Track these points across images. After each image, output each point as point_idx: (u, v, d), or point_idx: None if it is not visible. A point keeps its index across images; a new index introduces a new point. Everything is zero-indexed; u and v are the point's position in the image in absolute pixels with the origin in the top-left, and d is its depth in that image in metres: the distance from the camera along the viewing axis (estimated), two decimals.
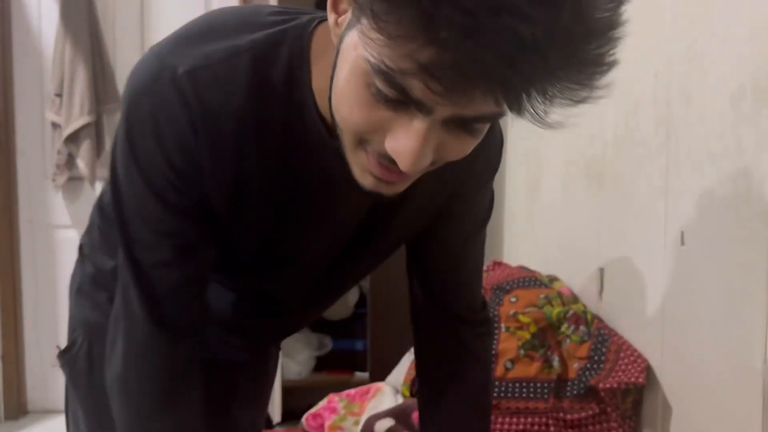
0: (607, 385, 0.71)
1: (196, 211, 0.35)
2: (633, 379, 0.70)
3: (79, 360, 0.51)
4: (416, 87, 0.22)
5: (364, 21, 0.22)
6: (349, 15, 0.25)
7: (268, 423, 1.43)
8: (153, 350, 0.37)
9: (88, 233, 0.53)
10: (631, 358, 0.73)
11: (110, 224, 0.44)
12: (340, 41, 0.26)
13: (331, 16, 0.27)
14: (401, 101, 0.23)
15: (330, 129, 0.32)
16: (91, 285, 0.51)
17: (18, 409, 1.85)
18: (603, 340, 0.75)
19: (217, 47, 0.32)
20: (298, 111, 0.33)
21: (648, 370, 0.71)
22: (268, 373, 0.63)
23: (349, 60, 0.25)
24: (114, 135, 0.36)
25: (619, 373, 0.72)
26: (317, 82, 0.32)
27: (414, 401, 0.96)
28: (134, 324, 0.37)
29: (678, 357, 0.67)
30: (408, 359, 1.13)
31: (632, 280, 0.78)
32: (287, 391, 1.75)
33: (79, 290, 0.53)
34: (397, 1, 0.19)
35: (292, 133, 0.34)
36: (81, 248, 0.54)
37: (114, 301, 0.39)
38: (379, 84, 0.23)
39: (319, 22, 0.33)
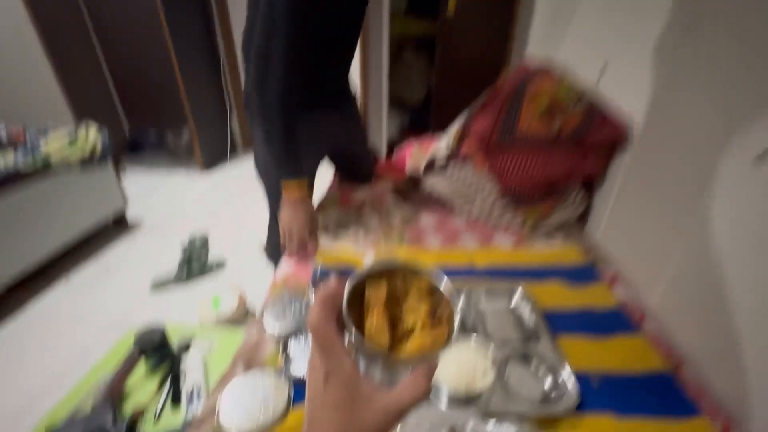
0: (594, 139, 1.03)
1: None
2: (615, 138, 1.01)
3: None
4: None
5: None
6: None
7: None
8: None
9: None
10: (615, 123, 1.01)
11: None
12: None
13: None
14: None
15: None
16: None
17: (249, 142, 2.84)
18: (592, 113, 1.03)
19: None
20: None
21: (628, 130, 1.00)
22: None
23: None
24: None
25: (604, 132, 1.03)
26: None
27: (459, 145, 1.39)
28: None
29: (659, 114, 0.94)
30: (457, 122, 1.52)
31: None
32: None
33: None
34: None
35: None
36: None
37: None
38: None
39: None
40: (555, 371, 0.68)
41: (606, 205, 1.09)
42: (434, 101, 2.91)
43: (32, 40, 2.26)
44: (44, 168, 1.69)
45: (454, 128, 1.56)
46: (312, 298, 0.86)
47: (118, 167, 2.80)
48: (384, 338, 0.33)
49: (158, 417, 0.89)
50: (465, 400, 0.63)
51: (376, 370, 0.34)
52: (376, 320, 0.34)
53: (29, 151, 1.71)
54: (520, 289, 0.87)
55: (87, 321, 1.56)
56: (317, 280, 0.93)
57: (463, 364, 0.66)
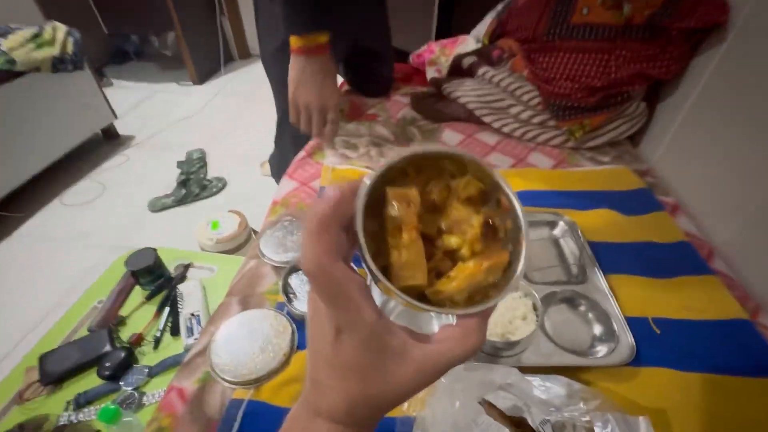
0: (683, 25, 0.79)
1: None
2: (713, 19, 0.77)
3: None
4: None
5: None
6: None
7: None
8: None
9: None
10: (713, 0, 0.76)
11: None
12: None
13: None
14: None
15: None
16: None
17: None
18: None
19: None
20: None
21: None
22: None
23: None
24: None
25: (697, 14, 0.78)
26: None
27: (492, 45, 1.15)
28: None
29: None
30: (489, 17, 1.24)
31: None
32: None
33: None
34: None
35: None
36: None
37: None
38: None
39: None
40: (607, 316, 0.57)
41: (673, 118, 0.89)
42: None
43: None
44: (9, 68, 1.47)
45: (486, 22, 1.28)
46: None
47: (100, 77, 2.54)
48: (421, 272, 0.23)
49: (157, 345, 0.83)
50: (502, 351, 0.53)
51: (407, 315, 0.25)
52: (407, 245, 0.22)
53: None
54: (565, 218, 0.73)
55: (85, 242, 1.49)
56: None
57: (497, 308, 0.55)
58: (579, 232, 0.70)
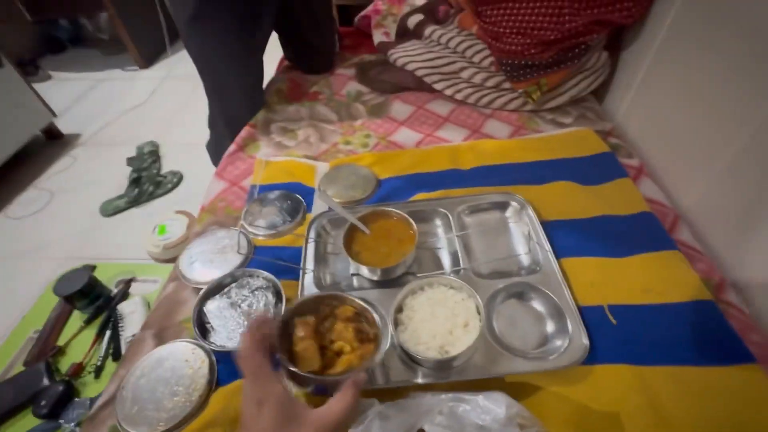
0: None
1: None
2: None
3: None
4: None
5: None
6: None
7: None
8: None
9: None
10: None
11: None
12: None
13: None
14: None
15: None
16: None
17: None
18: None
19: None
20: None
21: None
22: None
23: None
24: None
25: None
26: None
27: None
28: None
29: None
30: None
31: None
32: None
33: None
34: None
35: None
36: None
37: None
38: None
39: None
40: (560, 310, 0.51)
41: (638, 68, 0.80)
42: None
43: None
44: None
45: None
46: (245, 228, 0.66)
47: (34, 72, 2.32)
48: (315, 362, 0.40)
49: (99, 373, 0.78)
50: (443, 365, 0.47)
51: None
52: (306, 346, 0.40)
53: None
54: (516, 197, 0.66)
55: (36, 256, 1.40)
56: (254, 200, 0.71)
57: (437, 317, 0.49)
58: (531, 212, 0.63)
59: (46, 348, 0.81)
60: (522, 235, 0.63)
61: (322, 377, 0.39)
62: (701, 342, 0.48)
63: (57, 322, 0.85)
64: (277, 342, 0.38)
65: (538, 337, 0.51)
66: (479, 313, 0.49)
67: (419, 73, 0.95)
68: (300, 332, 0.41)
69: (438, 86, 0.94)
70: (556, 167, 0.73)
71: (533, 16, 0.79)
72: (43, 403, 0.71)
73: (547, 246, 0.59)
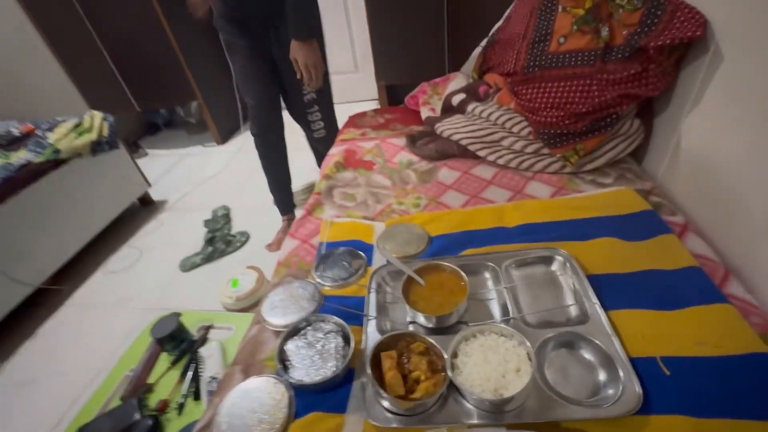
0: (659, 43, 0.78)
1: None
2: (689, 34, 0.75)
3: None
4: None
5: None
6: None
7: None
8: None
9: None
10: (689, 15, 0.75)
11: None
12: None
13: None
14: None
15: None
16: None
17: None
18: (658, 5, 0.76)
19: None
20: None
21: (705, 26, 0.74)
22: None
23: None
24: None
25: (674, 30, 0.77)
26: None
27: (480, 81, 1.17)
28: None
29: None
30: (476, 53, 1.27)
31: None
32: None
33: None
34: None
35: None
36: None
37: None
38: None
39: None
40: (610, 359, 0.54)
41: (672, 131, 0.86)
42: (449, 32, 2.46)
43: (35, 38, 2.16)
44: (55, 157, 1.67)
45: (474, 58, 1.31)
46: (316, 279, 0.76)
47: (135, 150, 2.80)
48: (401, 388, 0.52)
49: (181, 410, 0.87)
50: (497, 407, 0.51)
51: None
52: (393, 374, 0.53)
53: (39, 144, 1.69)
54: (561, 252, 0.71)
55: (126, 306, 1.60)
56: (323, 256, 0.82)
57: (490, 362, 0.54)
58: (577, 266, 0.68)
59: (138, 385, 0.93)
60: (568, 287, 0.67)
61: (407, 403, 0.51)
62: (762, 395, 0.48)
63: (148, 363, 0.97)
64: (369, 372, 0.52)
65: (590, 386, 0.53)
66: (530, 359, 0.53)
67: (463, 142, 1.07)
68: (387, 364, 0.53)
69: (481, 153, 1.05)
70: (599, 224, 0.78)
71: (564, 93, 0.89)
72: None
73: (594, 298, 0.62)
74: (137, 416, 0.86)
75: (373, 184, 1.07)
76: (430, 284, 0.68)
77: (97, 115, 1.87)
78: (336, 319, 0.64)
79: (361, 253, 0.81)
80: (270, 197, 1.82)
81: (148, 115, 3.04)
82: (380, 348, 0.56)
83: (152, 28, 2.44)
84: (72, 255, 1.77)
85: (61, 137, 1.73)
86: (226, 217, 2.02)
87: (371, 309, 0.68)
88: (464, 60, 1.38)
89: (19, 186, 1.57)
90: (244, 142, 2.81)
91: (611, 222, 0.78)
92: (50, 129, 1.79)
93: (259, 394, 0.57)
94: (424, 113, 1.28)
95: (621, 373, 0.52)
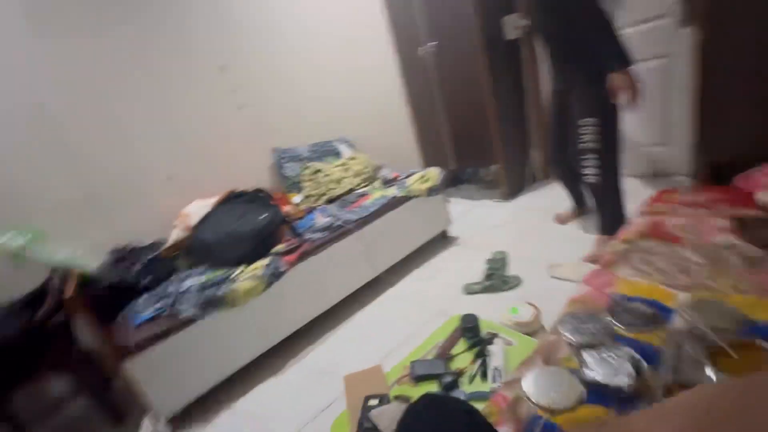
0: None
1: None
2: None
3: None
4: None
5: None
6: None
7: None
8: None
9: None
10: None
11: None
12: None
13: None
14: None
15: None
16: None
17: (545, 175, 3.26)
18: None
19: None
20: None
21: None
22: None
23: None
24: None
25: None
26: None
27: None
28: None
29: None
30: None
31: None
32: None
33: None
34: None
35: None
36: None
37: None
38: None
39: None
40: None
41: None
42: None
43: (404, 109, 3.41)
44: (407, 194, 2.54)
45: None
46: (611, 318, 0.92)
47: (445, 196, 3.69)
48: None
49: (472, 381, 1.21)
50: None
51: None
52: None
53: (401, 186, 2.62)
54: None
55: (421, 307, 2.20)
56: (619, 300, 0.97)
57: None
58: None
59: (444, 351, 1.35)
60: None
61: None
62: None
63: (452, 340, 1.39)
64: None
65: None
66: None
67: None
68: None
69: None
70: None
71: None
72: (444, 380, 1.21)
73: None
74: (442, 370, 1.26)
75: (679, 257, 1.11)
76: (743, 360, 0.70)
77: (435, 170, 2.69)
78: (628, 348, 0.80)
79: (657, 310, 0.91)
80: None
81: (458, 173, 3.92)
82: None
83: (479, 106, 3.20)
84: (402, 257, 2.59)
85: (412, 183, 2.60)
86: (503, 261, 2.38)
87: (668, 358, 0.78)
88: None
89: (389, 209, 2.49)
90: (527, 202, 3.17)
91: None
92: (408, 176, 2.71)
93: (560, 377, 0.81)
94: (765, 197, 1.18)
95: None
